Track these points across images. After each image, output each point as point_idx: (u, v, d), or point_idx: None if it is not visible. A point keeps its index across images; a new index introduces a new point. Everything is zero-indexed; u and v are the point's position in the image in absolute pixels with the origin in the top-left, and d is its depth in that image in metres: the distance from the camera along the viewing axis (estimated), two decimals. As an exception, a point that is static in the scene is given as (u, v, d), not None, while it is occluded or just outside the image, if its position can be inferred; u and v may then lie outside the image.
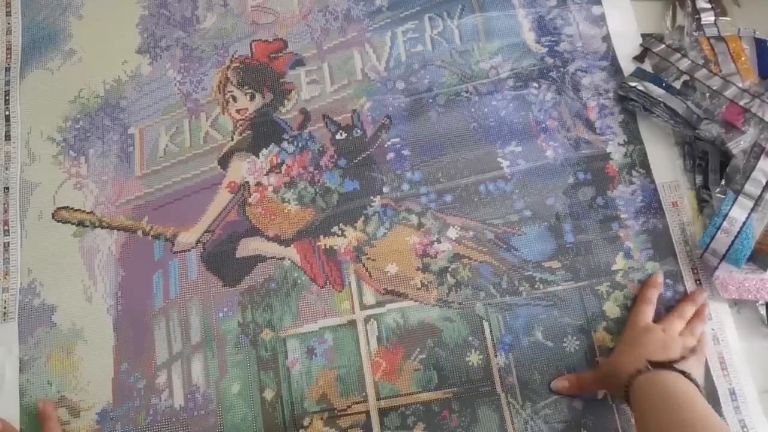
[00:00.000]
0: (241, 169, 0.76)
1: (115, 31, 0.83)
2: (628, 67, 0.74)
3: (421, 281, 0.70)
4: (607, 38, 0.76)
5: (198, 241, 0.74)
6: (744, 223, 0.63)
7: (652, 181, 0.71)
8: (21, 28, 0.84)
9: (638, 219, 0.70)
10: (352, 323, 0.69)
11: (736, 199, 0.64)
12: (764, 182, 0.63)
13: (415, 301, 0.69)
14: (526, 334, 0.67)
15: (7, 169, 0.78)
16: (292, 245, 0.73)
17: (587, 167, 0.72)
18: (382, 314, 0.69)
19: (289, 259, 0.72)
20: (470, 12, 0.79)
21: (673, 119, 0.70)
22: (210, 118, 0.78)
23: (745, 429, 0.62)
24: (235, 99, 0.79)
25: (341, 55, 0.79)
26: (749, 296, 0.64)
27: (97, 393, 0.69)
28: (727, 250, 0.63)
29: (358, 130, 0.76)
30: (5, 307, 0.73)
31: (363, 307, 0.69)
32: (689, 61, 0.71)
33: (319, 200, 0.73)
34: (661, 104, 0.69)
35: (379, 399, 0.66)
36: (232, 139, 0.77)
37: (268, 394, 0.68)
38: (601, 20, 0.77)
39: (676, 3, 0.76)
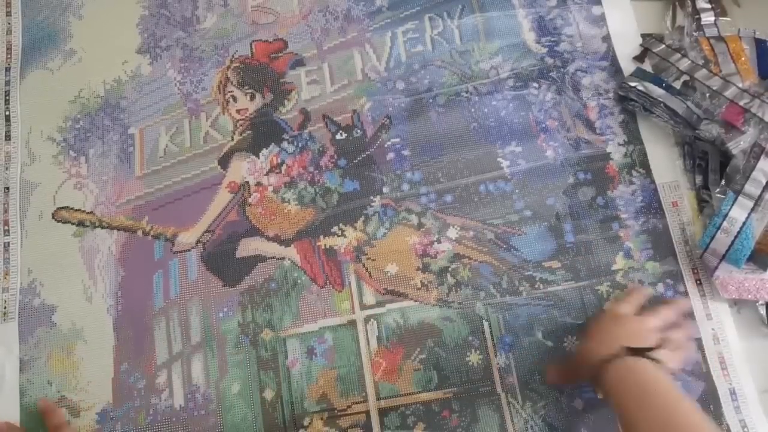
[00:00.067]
0: (241, 169, 0.76)
1: (115, 31, 0.83)
2: (628, 67, 0.74)
3: (421, 281, 0.70)
4: (607, 38, 0.76)
5: (198, 241, 0.74)
6: (744, 223, 0.63)
7: (652, 181, 0.71)
8: (21, 28, 0.85)
9: (638, 219, 0.70)
10: (352, 323, 0.69)
11: (736, 199, 0.64)
12: (764, 182, 0.63)
13: (415, 301, 0.69)
14: (526, 334, 0.67)
15: (7, 169, 0.78)
16: (292, 245, 0.73)
17: (587, 167, 0.72)
18: (382, 314, 0.69)
19: (289, 259, 0.72)
20: (470, 12, 0.79)
21: (673, 119, 0.70)
22: (210, 118, 0.78)
23: (745, 429, 0.62)
24: (235, 99, 0.79)
25: (341, 55, 0.79)
26: (749, 296, 0.64)
27: (97, 393, 0.69)
28: (727, 250, 0.63)
29: (358, 130, 0.76)
30: (5, 307, 0.73)
31: (363, 307, 0.70)
32: (689, 61, 0.71)
33: (319, 200, 0.74)
34: (661, 104, 0.69)
35: (379, 399, 0.66)
36: (232, 139, 0.77)
37: (268, 394, 0.68)
38: (601, 20, 0.77)
39: (676, 3, 0.76)
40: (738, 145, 0.66)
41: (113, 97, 0.80)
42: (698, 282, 0.67)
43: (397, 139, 0.75)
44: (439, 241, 0.71)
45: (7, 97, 0.81)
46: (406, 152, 0.74)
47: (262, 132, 0.77)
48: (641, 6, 0.78)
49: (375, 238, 0.72)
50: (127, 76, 0.81)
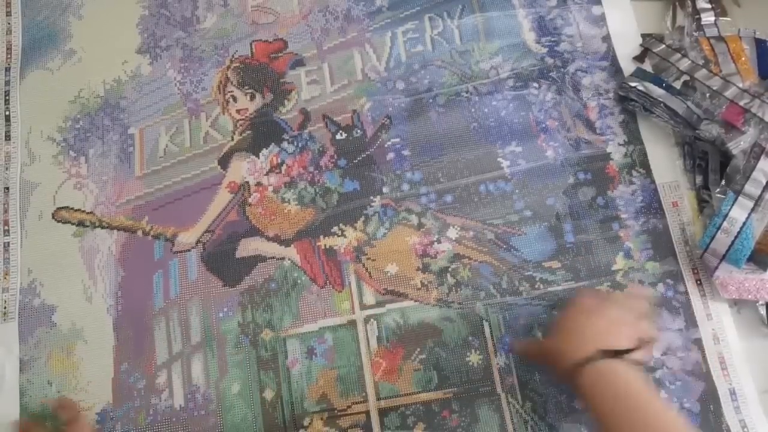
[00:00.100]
0: (241, 169, 0.76)
1: (115, 31, 0.83)
2: (628, 67, 0.74)
3: (421, 281, 0.70)
4: (607, 38, 0.76)
5: (198, 241, 0.74)
6: (744, 223, 0.63)
7: (652, 181, 0.71)
8: (21, 28, 0.85)
9: (638, 219, 0.70)
10: (352, 323, 0.69)
11: (736, 200, 0.64)
12: (764, 182, 0.63)
13: (415, 301, 0.69)
14: (527, 334, 0.67)
15: (7, 169, 0.78)
16: (292, 245, 0.73)
17: (587, 167, 0.72)
18: (382, 314, 0.69)
19: (289, 259, 0.72)
20: (470, 12, 0.79)
21: (673, 119, 0.70)
22: (210, 118, 0.78)
23: (745, 429, 0.62)
24: (235, 99, 0.79)
25: (341, 55, 0.79)
26: (749, 296, 0.64)
27: (97, 393, 0.69)
28: (727, 250, 0.63)
29: (358, 130, 0.76)
30: (5, 307, 0.73)
31: (363, 307, 0.69)
32: (689, 62, 0.71)
33: (319, 200, 0.73)
34: (661, 104, 0.69)
35: (379, 399, 0.66)
36: (232, 139, 0.77)
37: (268, 394, 0.68)
38: (601, 20, 0.77)
39: (676, 3, 0.76)
40: (738, 145, 0.66)
41: (113, 97, 0.80)
42: (698, 282, 0.67)
43: (397, 139, 0.75)
44: (439, 241, 0.71)
45: (7, 97, 0.81)
46: (406, 152, 0.74)
47: (262, 132, 0.77)
48: (641, 6, 0.78)
49: (375, 238, 0.72)
50: (127, 76, 0.81)
